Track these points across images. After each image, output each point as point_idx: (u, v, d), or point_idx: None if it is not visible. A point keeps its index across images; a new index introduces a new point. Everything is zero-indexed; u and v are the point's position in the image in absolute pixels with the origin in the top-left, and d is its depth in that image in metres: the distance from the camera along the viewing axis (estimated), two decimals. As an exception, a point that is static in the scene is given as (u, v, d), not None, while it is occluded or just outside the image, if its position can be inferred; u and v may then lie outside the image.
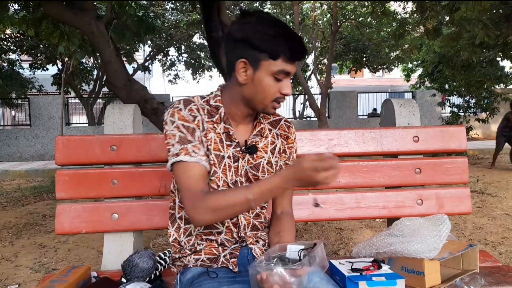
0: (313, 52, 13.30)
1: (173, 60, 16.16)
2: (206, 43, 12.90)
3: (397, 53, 13.23)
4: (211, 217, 1.10)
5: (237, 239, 1.24)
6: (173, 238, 1.28)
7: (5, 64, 12.24)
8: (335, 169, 1.01)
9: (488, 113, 10.08)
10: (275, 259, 1.07)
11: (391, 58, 13.88)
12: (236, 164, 1.22)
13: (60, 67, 12.60)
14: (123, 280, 1.36)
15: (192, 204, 1.11)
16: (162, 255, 1.49)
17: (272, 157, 1.29)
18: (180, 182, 1.14)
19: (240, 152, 1.23)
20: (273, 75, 1.13)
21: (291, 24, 13.30)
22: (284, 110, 16.38)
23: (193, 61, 16.08)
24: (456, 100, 10.81)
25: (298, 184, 1.06)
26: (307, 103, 13.24)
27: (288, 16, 14.27)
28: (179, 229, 1.27)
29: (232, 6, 13.13)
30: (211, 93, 1.26)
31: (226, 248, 1.23)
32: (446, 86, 10.60)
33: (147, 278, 1.36)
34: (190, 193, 1.12)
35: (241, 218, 1.24)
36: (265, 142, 1.28)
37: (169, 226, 1.30)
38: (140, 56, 17.82)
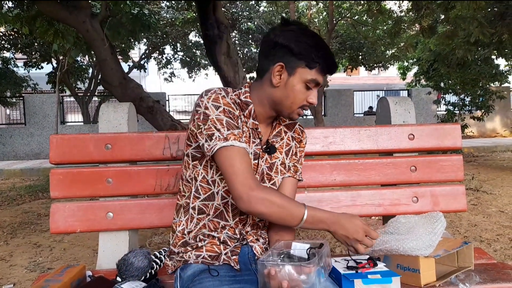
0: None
1: (168, 58, 16.12)
2: (202, 41, 12.87)
3: (393, 51, 13.25)
4: (263, 209, 1.10)
5: (239, 236, 1.25)
6: (181, 228, 1.27)
7: (-1, 63, 12.17)
8: (372, 242, 1.20)
9: (483, 111, 10.12)
10: (283, 256, 1.07)
11: (387, 56, 13.90)
12: (256, 161, 1.25)
13: (55, 65, 12.53)
14: (118, 279, 1.35)
15: (247, 189, 1.10)
16: (158, 254, 1.48)
17: (286, 159, 1.34)
18: (230, 166, 1.11)
19: (261, 150, 1.26)
20: (305, 82, 1.19)
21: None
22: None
23: (188, 59, 16.05)
24: (451, 98, 10.84)
25: (340, 231, 1.16)
26: (303, 101, 13.23)
27: (284, 15, 14.26)
28: (191, 220, 1.26)
29: (228, 5, 13.11)
30: (240, 88, 1.29)
31: (228, 246, 1.23)
32: (442, 84, 10.64)
33: (142, 277, 1.36)
34: (244, 177, 1.10)
35: (250, 215, 1.25)
36: (281, 144, 1.33)
37: (176, 217, 1.30)
38: (135, 54, 17.74)
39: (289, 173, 1.35)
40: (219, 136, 1.12)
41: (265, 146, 1.28)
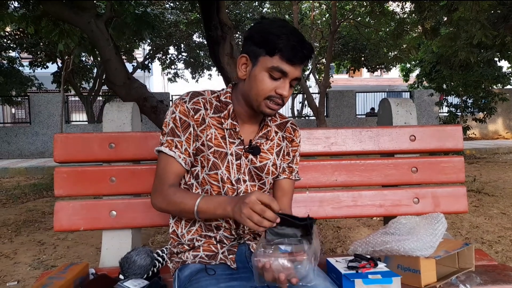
0: (312, 51, 13.25)
1: (172, 58, 16.15)
2: (205, 42, 12.90)
3: (395, 53, 13.24)
4: (164, 207, 1.20)
5: (235, 236, 1.25)
6: (172, 230, 1.30)
7: (5, 62, 12.21)
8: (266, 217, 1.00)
9: (485, 113, 10.11)
10: (273, 246, 1.06)
11: (389, 57, 13.88)
12: (238, 161, 1.24)
13: (60, 65, 12.58)
14: (121, 277, 1.36)
15: (156, 189, 1.22)
16: (160, 252, 1.49)
17: (277, 159, 1.32)
18: (156, 168, 1.24)
19: (243, 151, 1.25)
20: (268, 71, 1.14)
21: (289, 23, 13.30)
22: (283, 109, 16.37)
23: (192, 60, 16.07)
24: (453, 100, 10.84)
25: (232, 216, 1.06)
26: (306, 102, 13.26)
27: (287, 16, 14.27)
28: (179, 221, 1.28)
29: (231, 6, 13.13)
30: (223, 89, 1.30)
31: (225, 245, 1.24)
32: (444, 86, 10.63)
33: (145, 275, 1.37)
34: (159, 181, 1.22)
35: None
36: (270, 145, 1.31)
37: (170, 218, 1.32)
38: (139, 54, 17.79)
39: (284, 175, 1.35)
40: (161, 139, 1.23)
41: (247, 147, 1.26)
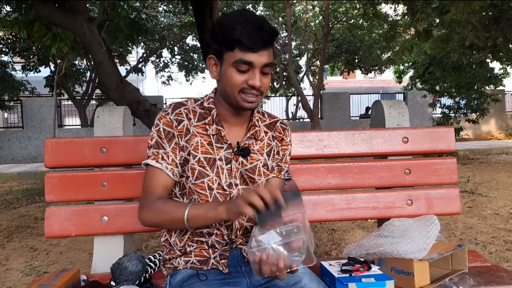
0: (306, 54, 13.36)
1: (166, 61, 16.14)
2: (199, 45, 12.89)
3: (389, 54, 13.31)
4: (153, 220, 1.16)
5: (227, 241, 1.24)
6: (165, 239, 1.29)
7: (-3, 66, 12.13)
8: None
9: (478, 114, 10.19)
10: (266, 232, 1.03)
11: (383, 59, 13.96)
12: (228, 166, 1.22)
13: (52, 69, 12.52)
14: (112, 283, 1.35)
15: (143, 204, 1.19)
16: (152, 258, 1.48)
17: (268, 160, 1.29)
18: (143, 182, 1.22)
19: (232, 154, 1.23)
20: (234, 66, 1.13)
21: (283, 26, 13.33)
22: (278, 111, 16.42)
23: (186, 63, 16.07)
24: (446, 101, 10.91)
25: (229, 210, 1.05)
26: (300, 104, 13.28)
27: (280, 18, 14.32)
28: (172, 230, 1.27)
29: (225, 8, 13.14)
30: (206, 95, 1.29)
31: (216, 250, 1.23)
32: (437, 87, 10.70)
33: (137, 281, 1.35)
34: (145, 193, 1.20)
35: (235, 221, 1.24)
36: (260, 145, 1.29)
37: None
38: (133, 58, 17.75)
39: (273, 174, 1.32)
40: (147, 152, 1.22)
41: (236, 149, 1.24)
